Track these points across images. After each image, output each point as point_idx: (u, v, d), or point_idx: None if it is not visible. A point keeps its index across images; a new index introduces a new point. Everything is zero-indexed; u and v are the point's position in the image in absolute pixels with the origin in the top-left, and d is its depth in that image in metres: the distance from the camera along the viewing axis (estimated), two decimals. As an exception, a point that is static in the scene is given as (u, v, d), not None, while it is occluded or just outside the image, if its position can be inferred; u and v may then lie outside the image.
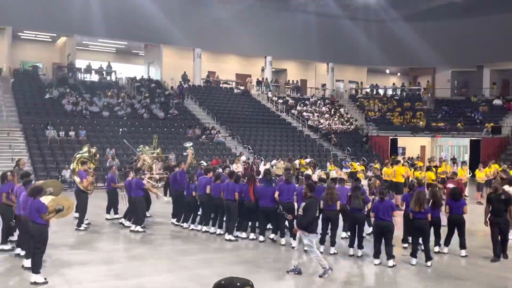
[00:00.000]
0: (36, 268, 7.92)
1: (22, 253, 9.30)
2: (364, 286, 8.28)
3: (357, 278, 8.84)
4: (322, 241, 10.36)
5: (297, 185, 11.74)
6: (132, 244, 11.09)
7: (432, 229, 10.00)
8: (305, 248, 8.75)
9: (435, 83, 43.05)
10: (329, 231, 10.47)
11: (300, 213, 8.81)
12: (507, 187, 12.33)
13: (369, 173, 18.49)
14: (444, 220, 10.55)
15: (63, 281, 8.05)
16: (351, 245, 10.24)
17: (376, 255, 9.49)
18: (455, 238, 10.36)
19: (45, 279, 7.93)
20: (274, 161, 23.78)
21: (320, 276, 8.48)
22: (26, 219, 8.52)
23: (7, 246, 10.05)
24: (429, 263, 9.38)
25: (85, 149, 13.70)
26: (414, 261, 9.44)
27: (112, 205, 13.90)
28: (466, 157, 34.20)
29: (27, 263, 8.54)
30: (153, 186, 14.24)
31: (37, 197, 8.08)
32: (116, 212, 13.83)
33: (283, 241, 10.92)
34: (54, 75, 33.50)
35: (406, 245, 10.74)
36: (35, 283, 7.79)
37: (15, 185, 10.04)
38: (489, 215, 10.04)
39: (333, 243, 10.30)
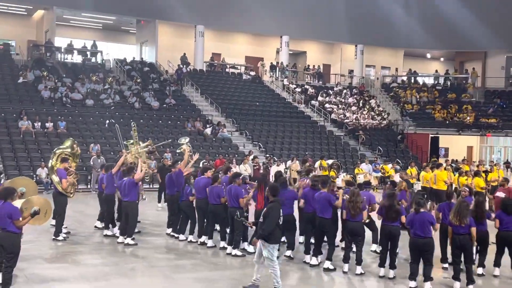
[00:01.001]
0: (5, 285, 8.01)
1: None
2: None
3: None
4: (346, 259, 10.35)
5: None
6: (119, 258, 11.16)
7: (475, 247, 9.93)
8: (264, 261, 8.75)
9: (486, 70, 42.71)
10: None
11: (260, 220, 8.84)
12: None
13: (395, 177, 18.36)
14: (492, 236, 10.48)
15: (38, 300, 8.15)
16: (381, 264, 10.23)
17: (412, 276, 9.49)
18: (506, 258, 10.29)
19: (17, 297, 8.03)
20: (289, 163, 23.81)
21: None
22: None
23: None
24: (470, 287, 9.34)
25: (68, 143, 13.65)
26: (457, 285, 9.41)
27: (107, 214, 13.55)
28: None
29: (-4, 278, 8.66)
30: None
31: (8, 200, 8.15)
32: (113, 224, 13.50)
33: (307, 258, 10.97)
34: (29, 55, 33.76)
35: (446, 265, 10.71)
36: (4, 302, 7.90)
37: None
38: None
39: (359, 262, 10.28)
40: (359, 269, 10.23)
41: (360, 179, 17.64)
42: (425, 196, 16.47)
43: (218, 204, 11.81)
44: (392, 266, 10.14)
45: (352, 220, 10.25)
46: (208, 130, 28.89)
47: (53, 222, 12.95)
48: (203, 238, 12.35)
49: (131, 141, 15.97)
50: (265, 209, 8.90)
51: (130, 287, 9.07)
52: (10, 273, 8.11)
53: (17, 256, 8.28)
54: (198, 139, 27.62)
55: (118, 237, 12.59)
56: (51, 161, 13.18)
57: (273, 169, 20.57)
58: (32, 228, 12.45)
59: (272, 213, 8.66)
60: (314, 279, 9.99)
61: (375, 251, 11.70)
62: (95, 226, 13.87)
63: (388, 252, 10.18)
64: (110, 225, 13.30)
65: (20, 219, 8.12)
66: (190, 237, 12.67)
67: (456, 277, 9.48)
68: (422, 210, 9.43)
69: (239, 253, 11.36)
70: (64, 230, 12.75)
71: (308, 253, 11.06)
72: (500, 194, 13.44)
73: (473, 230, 9.48)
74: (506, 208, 10.16)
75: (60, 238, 12.46)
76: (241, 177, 11.94)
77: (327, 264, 10.45)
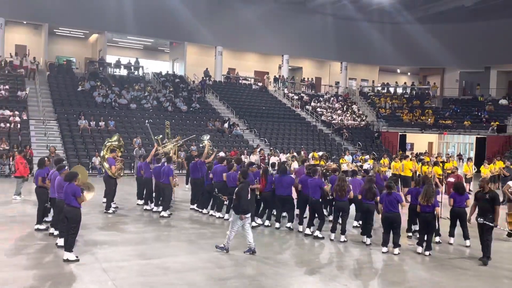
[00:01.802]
0: (69, 247, 8.09)
1: (56, 232, 9.49)
2: (373, 272, 8.28)
3: (367, 264, 8.83)
4: (333, 229, 10.37)
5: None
6: (155, 227, 11.23)
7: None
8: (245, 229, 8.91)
9: (444, 82, 42.50)
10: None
11: (234, 197, 9.03)
12: (511, 183, 12.21)
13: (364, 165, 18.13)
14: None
15: (93, 259, 8.21)
16: (363, 233, 10.28)
17: (384, 243, 9.50)
18: (458, 229, 10.28)
19: (77, 257, 8.10)
20: (288, 155, 23.70)
21: (218, 247, 9.00)
22: (60, 202, 8.69)
23: (42, 226, 10.27)
24: (427, 253, 9.35)
25: (115, 138, 13.73)
26: (420, 249, 9.43)
27: (146, 193, 13.52)
28: (472, 154, 33.77)
29: (61, 242, 8.73)
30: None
31: (72, 181, 8.22)
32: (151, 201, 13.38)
33: (300, 228, 11.03)
34: (86, 69, 33.88)
35: (410, 234, 10.73)
36: (67, 260, 7.96)
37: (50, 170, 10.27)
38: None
39: (343, 232, 10.31)
40: (343, 237, 10.26)
41: (344, 167, 17.54)
42: (396, 181, 16.44)
43: (235, 187, 11.85)
44: (369, 235, 10.16)
45: (339, 200, 10.25)
46: (226, 125, 29.28)
47: (104, 200, 13.07)
48: (222, 213, 12.43)
49: (160, 136, 16.00)
50: (237, 188, 9.09)
51: (165, 249, 9.12)
52: (73, 238, 8.20)
53: (79, 225, 8.36)
54: (217, 135, 27.64)
55: (155, 211, 12.68)
56: (102, 152, 13.27)
57: (272, 159, 20.40)
58: (88, 204, 12.61)
59: (242, 192, 8.91)
60: (307, 245, 10.02)
61: (357, 226, 11.65)
62: (137, 204, 13.86)
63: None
64: (149, 202, 13.38)
65: (81, 196, 8.23)
66: (211, 212, 12.75)
67: (419, 244, 9.51)
68: (392, 191, 9.47)
69: (254, 223, 11.46)
70: (113, 205, 12.86)
71: (301, 224, 11.10)
72: (451, 179, 13.41)
73: (437, 209, 9.51)
74: (458, 189, 10.14)
75: (110, 211, 12.56)
76: (254, 166, 12.05)
77: (317, 233, 10.48)
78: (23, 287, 6.76)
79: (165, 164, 12.49)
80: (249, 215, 8.95)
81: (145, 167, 13.27)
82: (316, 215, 10.81)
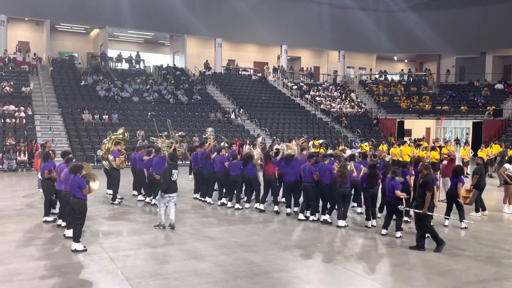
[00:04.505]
0: (76, 237, 8.12)
1: (63, 224, 9.53)
2: (375, 255, 8.31)
3: (369, 248, 8.85)
4: (340, 216, 10.20)
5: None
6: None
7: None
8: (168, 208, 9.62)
9: (440, 68, 42.33)
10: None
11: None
12: (507, 165, 12.20)
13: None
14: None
15: (101, 249, 8.24)
16: (368, 218, 10.20)
17: (385, 226, 9.52)
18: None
19: (85, 247, 8.13)
20: (287, 143, 23.65)
21: (155, 226, 9.74)
22: (67, 194, 8.71)
23: (50, 218, 10.30)
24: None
25: (121, 131, 13.63)
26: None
27: (136, 183, 13.51)
28: (469, 138, 33.74)
29: (68, 232, 8.76)
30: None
31: (77, 174, 8.22)
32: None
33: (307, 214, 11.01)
34: (88, 63, 33.81)
35: (406, 218, 10.69)
36: (75, 250, 8.00)
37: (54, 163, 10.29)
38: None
39: (344, 217, 10.26)
40: (344, 223, 10.18)
41: (348, 152, 17.48)
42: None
43: (237, 175, 11.98)
44: (374, 217, 10.17)
45: (341, 186, 10.11)
46: (232, 116, 29.26)
47: (108, 191, 13.07)
48: (223, 200, 12.46)
49: (165, 133, 15.99)
50: (164, 170, 9.75)
51: (170, 237, 9.14)
52: (80, 229, 8.22)
53: (85, 216, 8.38)
54: (218, 126, 27.62)
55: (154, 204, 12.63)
56: (107, 144, 13.23)
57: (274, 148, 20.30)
58: (94, 196, 12.65)
59: (166, 173, 9.53)
60: (311, 230, 10.02)
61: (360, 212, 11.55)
62: (133, 194, 13.70)
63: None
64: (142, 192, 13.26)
65: (87, 188, 8.23)
66: (209, 200, 12.78)
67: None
68: (396, 178, 9.36)
69: (262, 207, 11.68)
70: (118, 197, 12.88)
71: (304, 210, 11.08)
72: (444, 162, 13.46)
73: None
74: (455, 173, 10.16)
75: (116, 202, 12.56)
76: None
77: (327, 217, 10.50)
78: (33, 277, 6.79)
79: (156, 156, 12.42)
80: (174, 194, 9.61)
81: (138, 159, 13.18)
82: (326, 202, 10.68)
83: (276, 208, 11.63)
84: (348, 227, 10.19)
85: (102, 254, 7.96)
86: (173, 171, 9.55)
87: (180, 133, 16.60)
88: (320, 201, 10.76)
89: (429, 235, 8.53)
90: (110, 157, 12.82)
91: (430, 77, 40.11)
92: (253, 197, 12.18)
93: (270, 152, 12.94)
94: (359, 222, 10.72)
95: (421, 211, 8.38)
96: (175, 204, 9.92)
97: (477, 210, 11.66)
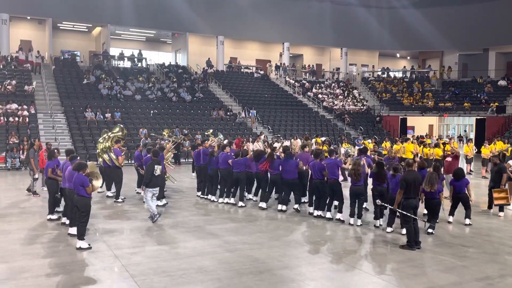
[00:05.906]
0: (81, 235, 8.13)
1: (67, 222, 9.54)
2: (379, 252, 8.30)
3: (375, 245, 8.84)
4: (352, 214, 10.07)
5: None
6: (164, 214, 11.26)
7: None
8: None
9: (443, 65, 42.24)
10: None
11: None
12: (511, 162, 12.18)
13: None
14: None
15: (105, 246, 8.26)
16: (376, 217, 10.06)
17: (389, 224, 9.50)
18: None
19: (89, 244, 8.15)
20: (292, 140, 23.66)
21: (151, 220, 10.10)
22: (71, 192, 8.72)
23: (54, 216, 10.32)
24: (430, 231, 9.35)
25: (117, 129, 13.56)
26: (431, 230, 9.41)
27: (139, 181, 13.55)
28: (472, 135, 33.65)
29: (72, 230, 8.77)
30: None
31: (80, 171, 8.23)
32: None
33: (311, 210, 11.06)
34: (90, 62, 33.84)
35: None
36: (80, 248, 8.01)
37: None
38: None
39: (359, 216, 10.10)
40: (359, 221, 10.10)
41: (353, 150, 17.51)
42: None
43: (241, 172, 12.02)
44: (382, 216, 10.10)
45: (355, 184, 9.96)
46: (243, 113, 29.24)
47: (113, 190, 13.07)
48: (226, 199, 12.46)
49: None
50: (147, 165, 10.15)
51: (174, 235, 9.15)
52: (84, 227, 8.23)
53: (88, 214, 8.38)
54: (221, 124, 27.63)
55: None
56: (107, 143, 13.14)
57: (276, 145, 20.28)
58: (96, 194, 12.68)
59: (149, 168, 9.98)
60: (316, 227, 10.02)
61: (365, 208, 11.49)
62: (136, 192, 13.72)
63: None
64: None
65: (90, 186, 8.24)
66: (213, 198, 12.77)
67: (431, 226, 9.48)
68: (397, 174, 9.34)
69: (264, 206, 11.68)
70: (121, 196, 12.87)
71: (311, 206, 11.11)
72: (449, 158, 13.44)
73: (441, 194, 9.46)
74: (455, 176, 10.24)
75: (119, 200, 12.59)
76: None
77: (339, 216, 10.42)
78: (39, 275, 6.81)
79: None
80: (156, 189, 10.13)
81: (140, 156, 13.20)
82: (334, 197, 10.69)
83: (263, 205, 11.71)
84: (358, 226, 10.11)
85: (107, 251, 7.97)
86: (156, 166, 10.02)
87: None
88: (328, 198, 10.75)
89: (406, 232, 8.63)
90: (113, 155, 12.82)
91: (434, 76, 40.04)
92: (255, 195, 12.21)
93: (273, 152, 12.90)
94: (365, 220, 10.70)
95: (388, 205, 8.77)
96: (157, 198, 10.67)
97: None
